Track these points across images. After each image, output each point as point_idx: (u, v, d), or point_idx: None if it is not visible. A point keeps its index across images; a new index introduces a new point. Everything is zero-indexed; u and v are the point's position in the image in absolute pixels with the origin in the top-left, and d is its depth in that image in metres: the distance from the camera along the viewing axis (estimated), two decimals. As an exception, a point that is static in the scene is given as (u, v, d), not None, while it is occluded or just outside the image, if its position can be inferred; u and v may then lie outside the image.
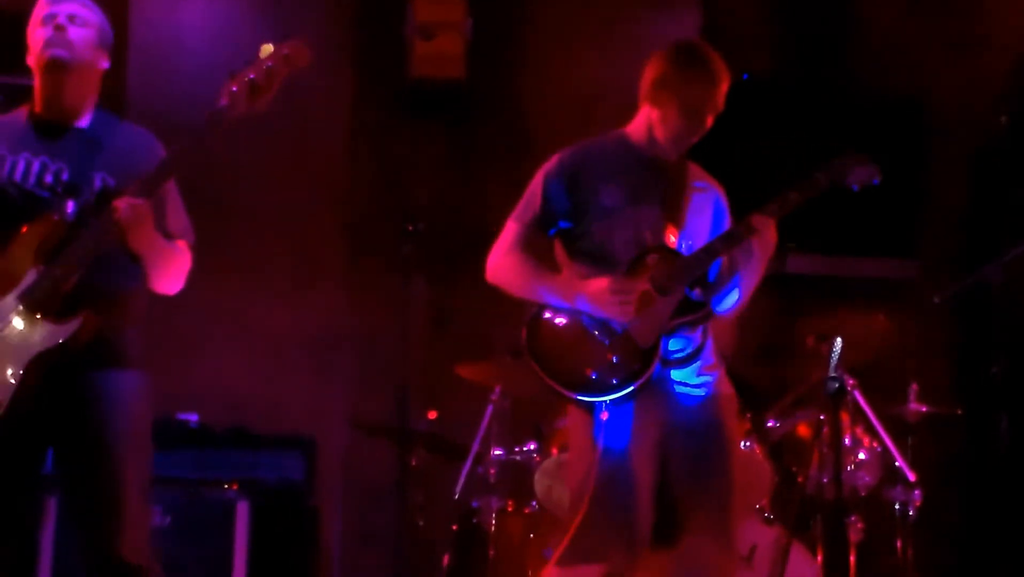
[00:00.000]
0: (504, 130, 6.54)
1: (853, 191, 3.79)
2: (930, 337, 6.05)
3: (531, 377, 3.80)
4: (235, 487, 5.23)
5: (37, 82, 3.64)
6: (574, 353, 3.74)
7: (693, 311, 3.75)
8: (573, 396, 3.74)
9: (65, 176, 3.55)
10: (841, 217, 6.46)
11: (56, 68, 3.58)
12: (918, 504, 5.11)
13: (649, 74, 3.84)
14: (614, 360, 3.69)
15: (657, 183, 3.83)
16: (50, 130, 3.61)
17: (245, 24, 6.37)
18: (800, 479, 4.88)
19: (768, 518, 4.90)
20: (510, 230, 3.92)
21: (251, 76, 3.43)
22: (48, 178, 3.55)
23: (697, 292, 3.77)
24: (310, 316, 6.28)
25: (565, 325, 3.77)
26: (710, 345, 3.84)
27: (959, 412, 5.45)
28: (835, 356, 4.53)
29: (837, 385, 4.60)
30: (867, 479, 5.07)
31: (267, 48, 3.47)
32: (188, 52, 6.36)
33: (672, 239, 3.79)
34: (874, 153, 3.78)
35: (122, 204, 3.41)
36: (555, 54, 6.64)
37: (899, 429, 5.21)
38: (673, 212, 3.82)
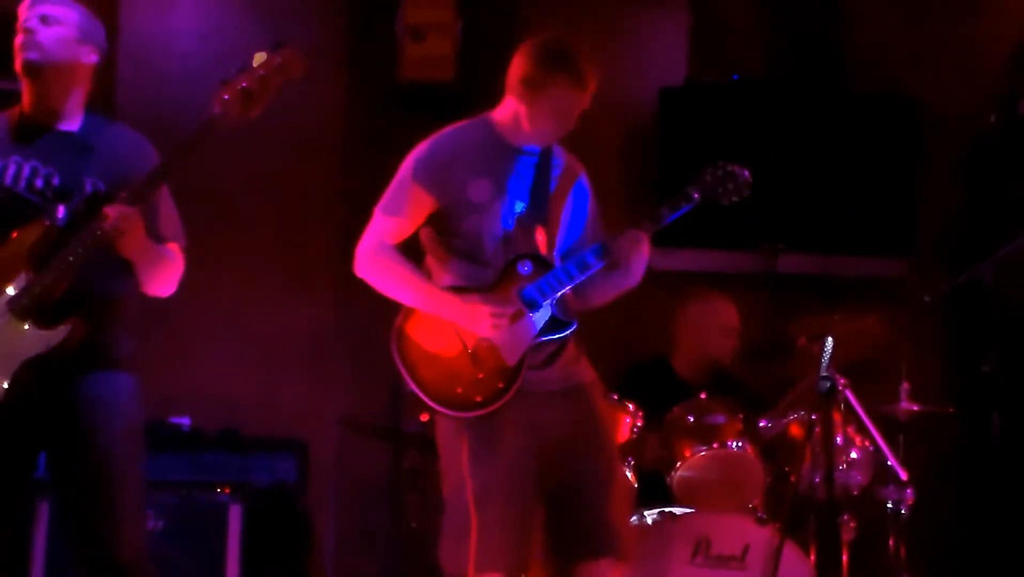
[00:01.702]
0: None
1: (722, 205, 3.84)
2: (921, 336, 6.05)
3: None
4: (227, 490, 5.22)
5: (23, 87, 3.64)
6: (442, 364, 3.72)
7: (559, 328, 3.75)
8: (437, 409, 3.74)
9: (56, 181, 3.54)
10: (832, 216, 6.48)
11: (31, 71, 3.56)
12: (910, 503, 5.11)
13: (516, 70, 3.81)
14: (480, 377, 3.69)
15: (524, 173, 3.81)
16: (40, 133, 3.59)
17: (235, 27, 6.36)
18: (792, 478, 4.88)
19: (761, 518, 4.90)
20: (378, 223, 3.86)
21: (244, 84, 3.42)
22: (39, 182, 3.54)
23: (563, 307, 3.77)
24: (302, 318, 6.27)
25: (436, 333, 3.74)
26: (569, 341, 3.83)
27: (951, 410, 5.45)
28: (826, 355, 4.54)
29: (829, 384, 4.61)
30: (859, 478, 5.07)
31: (261, 56, 3.46)
32: (178, 55, 6.35)
33: (540, 239, 3.79)
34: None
35: (112, 212, 3.40)
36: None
37: (891, 428, 5.22)
38: (540, 203, 3.80)
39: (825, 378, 4.59)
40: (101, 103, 3.85)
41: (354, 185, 6.49)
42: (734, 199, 3.85)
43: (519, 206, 3.78)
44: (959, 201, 6.70)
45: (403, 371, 3.76)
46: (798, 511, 5.04)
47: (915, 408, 5.24)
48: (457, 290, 3.76)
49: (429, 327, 3.76)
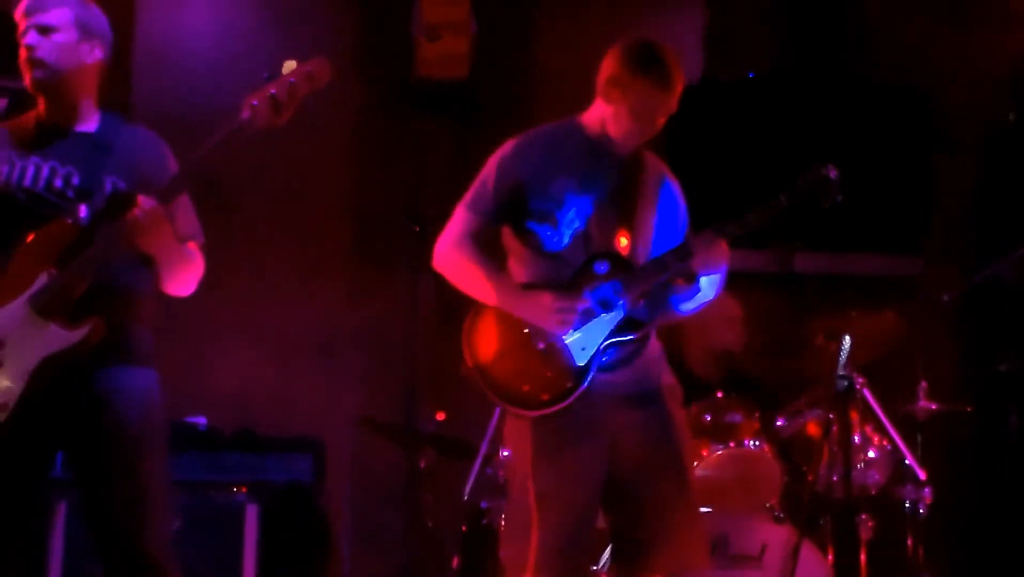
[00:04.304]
0: (509, 130, 6.46)
1: (818, 209, 3.75)
2: (939, 334, 6.03)
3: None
4: (244, 490, 5.23)
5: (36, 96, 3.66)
6: (511, 360, 3.70)
7: (633, 329, 3.69)
8: (504, 406, 3.73)
9: (76, 180, 3.55)
10: (849, 215, 6.45)
11: (40, 88, 3.60)
12: (928, 502, 5.09)
13: (604, 70, 3.79)
14: (548, 375, 3.66)
15: (609, 175, 3.78)
16: (58, 134, 3.61)
17: (250, 26, 6.37)
18: (810, 478, 4.87)
19: (778, 517, 4.89)
20: (459, 218, 3.85)
21: (273, 91, 3.43)
22: (58, 183, 3.55)
23: (639, 308, 3.71)
24: (318, 318, 6.28)
25: (506, 329, 3.71)
26: (650, 340, 3.78)
27: (968, 409, 5.43)
28: (844, 354, 4.52)
29: (846, 383, 4.60)
30: (877, 477, 5.05)
31: (290, 64, 3.46)
32: (193, 53, 6.36)
33: (623, 242, 3.74)
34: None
35: (139, 212, 3.41)
36: (560, 53, 6.64)
37: (909, 427, 5.20)
38: (624, 206, 3.77)
39: (842, 377, 4.57)
40: (116, 101, 3.85)
41: (369, 182, 6.51)
42: (826, 204, 3.76)
43: (601, 207, 3.75)
44: (975, 198, 6.68)
45: (471, 365, 3.73)
46: (815, 510, 5.03)
47: (933, 407, 5.22)
48: (530, 287, 3.74)
49: (500, 324, 3.73)
